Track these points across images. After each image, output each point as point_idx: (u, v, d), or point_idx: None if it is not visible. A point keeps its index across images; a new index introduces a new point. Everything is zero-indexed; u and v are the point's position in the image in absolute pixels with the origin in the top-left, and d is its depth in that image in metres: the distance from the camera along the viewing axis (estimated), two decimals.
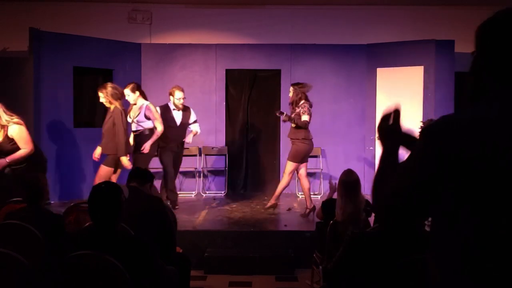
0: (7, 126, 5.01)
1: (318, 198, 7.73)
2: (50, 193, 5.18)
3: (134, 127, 6.16)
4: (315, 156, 8.23)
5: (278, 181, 7.30)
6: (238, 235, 5.71)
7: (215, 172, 8.45)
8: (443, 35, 7.61)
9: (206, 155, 8.34)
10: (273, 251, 5.48)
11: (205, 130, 7.62)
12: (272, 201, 6.58)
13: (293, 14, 8.40)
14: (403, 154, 1.58)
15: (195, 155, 8.17)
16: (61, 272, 2.65)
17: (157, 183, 7.31)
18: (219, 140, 8.32)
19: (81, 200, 5.25)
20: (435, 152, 1.33)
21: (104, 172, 5.75)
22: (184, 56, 8.27)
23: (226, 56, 8.29)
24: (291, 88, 6.38)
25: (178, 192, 8.07)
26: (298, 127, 6.22)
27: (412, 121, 7.34)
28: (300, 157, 6.32)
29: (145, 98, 6.18)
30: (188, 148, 6.85)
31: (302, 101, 6.23)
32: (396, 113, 1.71)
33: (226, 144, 8.38)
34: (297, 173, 6.55)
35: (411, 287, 2.52)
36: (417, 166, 1.39)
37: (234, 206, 7.22)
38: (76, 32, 7.49)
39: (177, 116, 6.55)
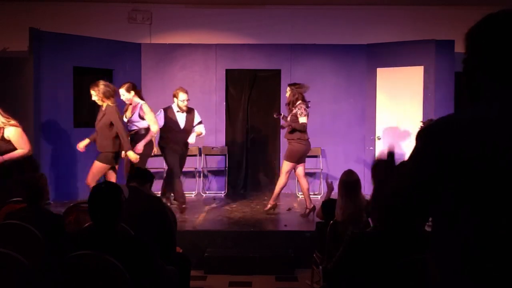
0: (4, 128, 5.04)
1: (318, 198, 7.74)
2: (50, 193, 5.17)
3: (129, 127, 6.14)
4: (315, 156, 8.23)
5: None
6: (238, 235, 5.71)
7: (215, 172, 8.45)
8: (443, 35, 7.61)
9: (206, 155, 8.34)
10: (273, 251, 5.48)
11: (205, 130, 7.61)
12: (271, 202, 6.57)
13: (293, 14, 8.40)
14: (401, 154, 1.58)
15: (195, 155, 8.17)
16: (61, 272, 2.65)
17: (157, 183, 7.33)
18: (219, 140, 8.32)
19: (81, 200, 5.26)
20: (435, 152, 1.33)
21: (97, 168, 5.73)
22: (184, 56, 8.28)
23: (226, 56, 8.29)
24: (288, 89, 6.39)
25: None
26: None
27: (412, 121, 7.37)
28: (296, 157, 6.31)
29: (140, 97, 6.14)
30: (188, 148, 6.83)
31: (299, 102, 6.22)
32: (390, 155, 1.75)
33: (226, 144, 8.38)
34: (295, 173, 6.55)
35: (411, 287, 2.52)
36: (417, 166, 1.39)
37: (234, 206, 7.22)
38: (76, 32, 7.49)
39: (181, 118, 6.47)
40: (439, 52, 7.53)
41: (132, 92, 6.04)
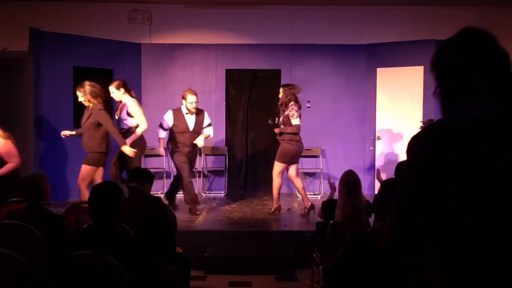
0: None
1: (318, 198, 7.74)
2: (50, 193, 5.17)
3: (120, 125, 6.08)
4: (315, 156, 8.24)
5: None
6: (238, 235, 5.71)
7: (215, 172, 8.45)
8: (443, 35, 7.56)
9: (206, 155, 8.34)
10: (273, 251, 5.48)
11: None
12: (274, 205, 6.55)
13: (293, 14, 8.40)
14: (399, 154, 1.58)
15: None
16: (61, 272, 2.65)
17: (157, 183, 7.34)
18: (219, 140, 8.32)
19: (81, 200, 5.26)
20: (435, 153, 1.33)
21: (86, 170, 5.71)
22: (184, 56, 8.28)
23: (226, 56, 8.29)
24: (281, 90, 6.40)
25: (178, 192, 8.10)
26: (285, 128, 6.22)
27: (412, 121, 7.37)
28: (287, 158, 6.30)
29: (131, 95, 6.08)
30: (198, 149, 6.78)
31: (291, 103, 6.22)
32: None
33: (226, 144, 8.38)
34: (288, 174, 6.52)
35: (411, 287, 2.52)
36: (417, 167, 1.39)
37: (234, 206, 7.22)
38: (76, 32, 7.49)
39: (190, 120, 6.38)
40: None
41: (122, 90, 5.98)
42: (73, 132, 5.99)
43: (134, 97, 6.12)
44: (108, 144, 5.83)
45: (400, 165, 4.22)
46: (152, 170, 4.42)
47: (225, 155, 8.33)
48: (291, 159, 6.35)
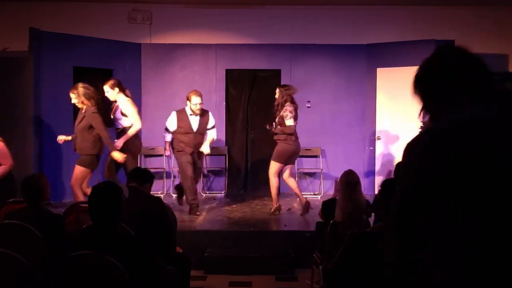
0: None
1: (318, 198, 7.74)
2: (50, 193, 5.17)
3: (116, 125, 6.05)
4: (315, 156, 8.24)
5: None
6: (238, 235, 5.71)
7: (215, 172, 8.45)
8: (443, 35, 7.61)
9: (206, 155, 8.33)
10: (273, 251, 5.48)
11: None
12: (274, 205, 6.55)
13: (293, 14, 8.40)
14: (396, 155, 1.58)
15: None
16: (61, 272, 2.65)
17: (157, 183, 7.33)
18: (219, 140, 8.32)
19: (81, 200, 5.26)
20: (435, 154, 1.33)
21: (79, 171, 5.68)
22: (184, 56, 8.28)
23: (226, 56, 8.29)
24: (277, 90, 6.41)
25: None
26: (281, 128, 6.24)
27: (412, 121, 7.37)
28: (283, 158, 6.30)
29: (126, 95, 6.04)
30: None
31: (287, 104, 6.22)
32: None
33: (226, 144, 8.38)
34: (282, 176, 6.52)
35: (411, 287, 2.52)
36: (417, 168, 1.39)
37: (234, 206, 7.22)
38: (76, 32, 7.49)
39: (194, 121, 6.34)
40: None
41: (117, 89, 5.94)
42: (69, 138, 5.93)
43: (129, 96, 6.08)
44: (101, 146, 5.79)
45: (399, 166, 4.22)
46: (152, 170, 4.42)
47: (225, 155, 8.33)
48: (287, 159, 6.35)
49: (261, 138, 8.57)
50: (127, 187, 3.72)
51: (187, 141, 6.31)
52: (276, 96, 6.39)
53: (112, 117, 6.06)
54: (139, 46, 8.23)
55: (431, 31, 7.85)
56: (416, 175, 1.38)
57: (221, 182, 8.37)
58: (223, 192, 8.23)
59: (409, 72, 6.93)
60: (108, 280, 2.57)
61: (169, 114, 6.51)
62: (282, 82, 8.11)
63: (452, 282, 1.33)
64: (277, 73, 8.31)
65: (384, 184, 3.31)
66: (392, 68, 7.94)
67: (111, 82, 5.97)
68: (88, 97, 5.66)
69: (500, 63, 8.37)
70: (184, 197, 6.61)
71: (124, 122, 5.96)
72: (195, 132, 6.34)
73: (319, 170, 8.17)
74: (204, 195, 8.14)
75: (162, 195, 7.78)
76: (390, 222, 1.48)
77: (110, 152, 5.70)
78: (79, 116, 5.78)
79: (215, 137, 6.63)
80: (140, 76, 8.22)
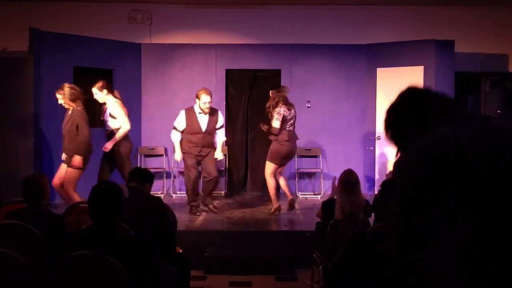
0: None
1: (318, 198, 7.75)
2: (50, 193, 5.16)
3: (105, 127, 6.04)
4: (315, 156, 8.24)
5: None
6: (238, 235, 5.71)
7: None
8: (443, 35, 7.61)
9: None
10: (273, 251, 5.48)
11: None
12: (274, 206, 6.54)
13: (293, 14, 8.40)
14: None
15: None
16: (61, 272, 2.65)
17: (157, 183, 7.33)
18: None
19: (81, 200, 5.26)
20: (435, 153, 1.33)
21: (70, 173, 5.66)
22: (184, 56, 8.28)
23: (226, 56, 8.29)
24: (271, 93, 6.42)
25: (178, 192, 8.10)
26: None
27: None
28: (277, 158, 6.31)
29: (114, 96, 6.02)
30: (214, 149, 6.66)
31: (279, 105, 6.23)
32: None
33: (226, 144, 8.37)
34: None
35: (411, 287, 2.52)
36: (417, 170, 1.39)
37: (234, 206, 7.22)
38: (76, 32, 7.49)
39: (203, 120, 6.26)
40: (439, 52, 7.54)
41: (105, 91, 5.93)
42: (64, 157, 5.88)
43: (118, 97, 6.06)
44: (89, 147, 5.76)
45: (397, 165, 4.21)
46: (152, 170, 4.42)
47: (225, 155, 8.31)
48: (282, 160, 6.36)
49: (261, 138, 8.56)
50: (127, 187, 3.72)
51: (195, 141, 6.25)
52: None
53: (102, 118, 6.05)
54: (139, 46, 8.23)
55: (431, 31, 7.86)
56: (416, 175, 1.38)
57: (221, 182, 8.35)
58: (223, 192, 8.22)
59: (409, 72, 6.98)
60: (108, 280, 2.57)
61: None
62: (282, 82, 8.12)
63: (452, 282, 1.33)
64: (277, 73, 8.31)
65: (384, 184, 3.31)
66: (392, 68, 7.94)
67: (99, 84, 5.95)
68: (74, 97, 5.64)
69: (500, 63, 8.38)
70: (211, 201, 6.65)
71: (112, 124, 5.94)
72: (204, 131, 6.26)
73: (319, 170, 8.17)
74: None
75: (162, 195, 7.78)
76: (390, 222, 1.48)
77: (76, 153, 5.61)
78: (66, 118, 5.75)
79: (224, 139, 6.57)
80: (140, 76, 8.22)
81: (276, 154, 6.29)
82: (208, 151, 6.36)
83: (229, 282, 5.06)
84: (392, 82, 7.94)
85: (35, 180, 3.66)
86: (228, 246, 5.57)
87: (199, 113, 6.25)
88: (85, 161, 5.73)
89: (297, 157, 8.00)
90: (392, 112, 1.64)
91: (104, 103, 6.02)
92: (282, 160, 6.37)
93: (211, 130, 6.33)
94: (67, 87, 5.66)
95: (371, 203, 4.24)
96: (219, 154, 6.43)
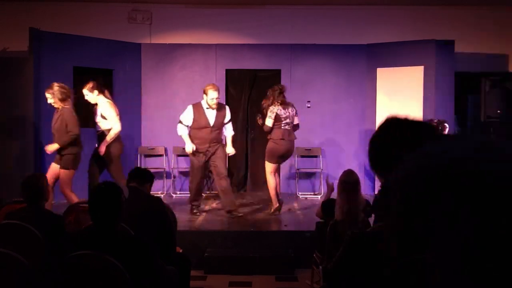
0: None
1: (318, 198, 7.75)
2: (54, 194, 5.19)
3: (97, 127, 6.03)
4: (315, 156, 8.24)
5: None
6: (238, 235, 5.71)
7: None
8: (443, 35, 7.61)
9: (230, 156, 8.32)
10: (273, 251, 5.48)
11: None
12: (274, 205, 6.54)
13: (293, 14, 8.40)
14: None
15: None
16: (61, 272, 2.65)
17: (157, 183, 7.33)
18: None
19: (81, 200, 5.26)
20: (423, 173, 1.33)
21: (64, 175, 5.63)
22: (184, 56, 8.28)
23: (226, 56, 8.29)
24: (268, 92, 6.43)
25: (178, 192, 8.11)
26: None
27: None
28: (272, 157, 6.31)
29: (105, 96, 5.99)
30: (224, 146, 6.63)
31: (274, 103, 6.22)
32: None
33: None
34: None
35: (411, 287, 2.52)
36: (405, 188, 1.39)
37: None
38: (76, 32, 7.49)
39: (211, 115, 6.19)
40: (439, 52, 7.54)
41: (96, 92, 5.91)
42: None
43: (108, 98, 6.05)
44: (80, 145, 5.75)
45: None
46: (152, 170, 4.42)
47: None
48: (278, 158, 6.36)
49: (261, 138, 8.57)
50: (127, 187, 3.73)
51: (203, 136, 6.17)
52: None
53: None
54: (139, 46, 8.23)
55: (431, 31, 7.86)
56: (416, 175, 1.38)
57: None
58: None
59: (409, 72, 6.98)
60: (108, 280, 2.57)
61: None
62: (282, 82, 8.11)
63: (452, 282, 1.33)
64: (277, 73, 8.31)
65: (384, 184, 3.30)
66: (392, 68, 7.94)
67: (89, 85, 5.93)
68: (64, 97, 5.62)
69: (500, 63, 8.38)
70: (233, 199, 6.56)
71: (103, 124, 5.93)
72: (212, 126, 6.20)
73: (319, 170, 8.17)
74: (204, 195, 8.13)
75: (162, 195, 7.78)
76: (390, 222, 1.48)
77: (55, 142, 5.60)
78: (55, 116, 5.72)
79: (232, 133, 6.52)
80: (140, 76, 8.22)
81: (271, 152, 6.30)
82: (216, 148, 6.25)
83: (229, 282, 5.06)
84: (392, 82, 7.95)
85: (35, 180, 3.67)
86: (228, 246, 5.57)
87: (207, 108, 6.21)
88: (77, 160, 5.71)
89: (297, 157, 8.01)
90: (378, 138, 1.66)
91: (96, 104, 6.01)
92: (279, 159, 6.37)
93: (219, 125, 6.28)
94: (56, 86, 5.64)
95: (371, 203, 4.24)
96: (230, 149, 6.40)
